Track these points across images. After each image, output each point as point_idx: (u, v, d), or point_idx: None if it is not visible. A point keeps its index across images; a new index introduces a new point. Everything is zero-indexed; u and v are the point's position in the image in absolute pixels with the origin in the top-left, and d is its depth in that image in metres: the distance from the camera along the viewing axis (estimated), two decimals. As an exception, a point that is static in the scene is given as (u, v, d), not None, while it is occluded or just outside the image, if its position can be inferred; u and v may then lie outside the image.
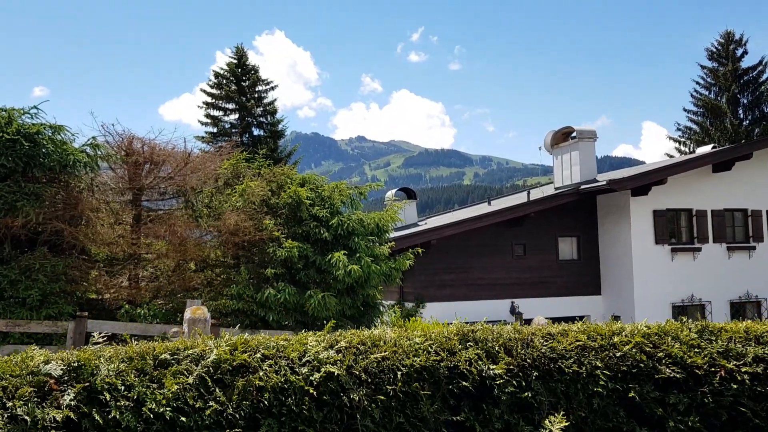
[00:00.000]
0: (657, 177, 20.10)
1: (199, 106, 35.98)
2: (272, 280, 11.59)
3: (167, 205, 12.48)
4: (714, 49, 43.07)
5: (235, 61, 36.32)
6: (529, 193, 22.98)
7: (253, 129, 35.86)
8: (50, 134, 10.29)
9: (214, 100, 35.97)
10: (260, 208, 12.18)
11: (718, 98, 42.24)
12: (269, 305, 11.28)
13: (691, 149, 42.38)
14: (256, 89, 36.41)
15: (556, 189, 22.95)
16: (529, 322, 19.74)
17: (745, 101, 42.07)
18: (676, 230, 21.43)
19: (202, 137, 34.84)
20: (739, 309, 21.73)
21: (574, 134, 22.89)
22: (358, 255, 11.76)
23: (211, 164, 12.09)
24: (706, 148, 27.69)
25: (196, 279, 11.94)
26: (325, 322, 11.93)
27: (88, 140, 10.59)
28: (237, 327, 11.24)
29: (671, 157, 42.33)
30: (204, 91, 36.19)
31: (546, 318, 16.17)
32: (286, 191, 12.04)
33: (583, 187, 20.92)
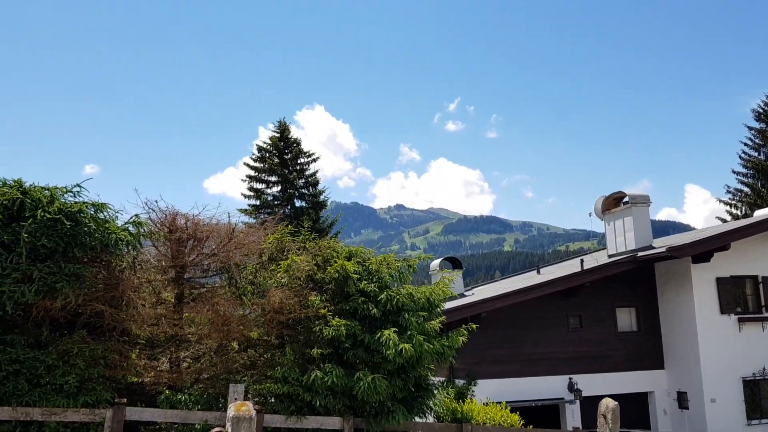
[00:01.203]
0: (719, 243, 19.06)
1: (242, 180, 36.34)
2: (318, 360, 10.92)
3: (210, 282, 12.05)
4: (761, 110, 42.15)
5: (278, 135, 36.77)
6: (582, 262, 22.04)
7: (296, 200, 35.91)
8: (92, 212, 10.01)
9: (257, 173, 36.28)
10: (305, 284, 11.63)
11: (768, 159, 41.01)
12: (316, 389, 10.56)
13: (743, 211, 40.93)
14: (298, 161, 36.67)
15: (610, 256, 21.99)
16: (590, 400, 18.48)
17: (798, 161, 40.73)
18: (742, 299, 20.18)
19: (246, 210, 35.00)
20: (818, 383, 20.11)
21: (626, 199, 22.08)
22: (408, 332, 11.03)
23: (255, 239, 11.67)
24: (764, 211, 26.45)
25: (239, 360, 11.33)
26: (375, 405, 11.15)
27: (131, 218, 10.29)
28: (282, 414, 10.57)
29: (723, 220, 40.88)
30: (247, 165, 36.58)
31: (607, 395, 15.05)
32: (332, 265, 11.49)
33: (640, 254, 19.95)
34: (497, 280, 36.10)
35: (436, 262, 28.09)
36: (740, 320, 19.69)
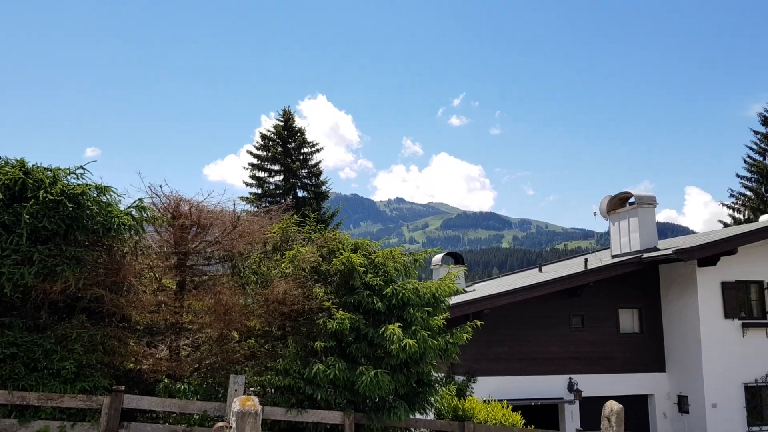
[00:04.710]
0: (728, 246, 18.85)
1: (244, 167, 36.10)
2: (320, 353, 10.72)
3: (212, 270, 11.84)
4: (767, 115, 41.81)
5: (282, 124, 36.51)
6: (586, 261, 21.84)
7: (298, 190, 35.71)
8: (95, 195, 9.80)
9: (259, 162, 36.05)
10: (310, 276, 11.43)
11: (774, 164, 40.70)
12: (317, 382, 10.37)
13: (746, 216, 40.70)
14: (302, 151, 36.43)
15: (614, 256, 21.80)
16: (590, 401, 18.30)
17: (803, 167, 40.42)
18: (747, 304, 19.99)
19: (247, 198, 34.79)
20: (819, 391, 19.95)
21: (632, 200, 21.87)
22: (413, 328, 10.83)
23: (259, 228, 11.45)
24: (769, 216, 26.26)
25: (239, 350, 11.13)
26: (376, 401, 10.96)
27: (135, 202, 10.06)
28: (282, 407, 10.38)
29: (725, 224, 40.65)
30: (250, 153, 36.33)
31: (607, 396, 14.88)
32: (338, 257, 11.28)
33: (645, 255, 19.75)
34: (496, 277, 35.96)
35: (437, 257, 27.90)
36: (744, 325, 19.51)
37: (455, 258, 28.43)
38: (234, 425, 5.03)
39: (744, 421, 19.11)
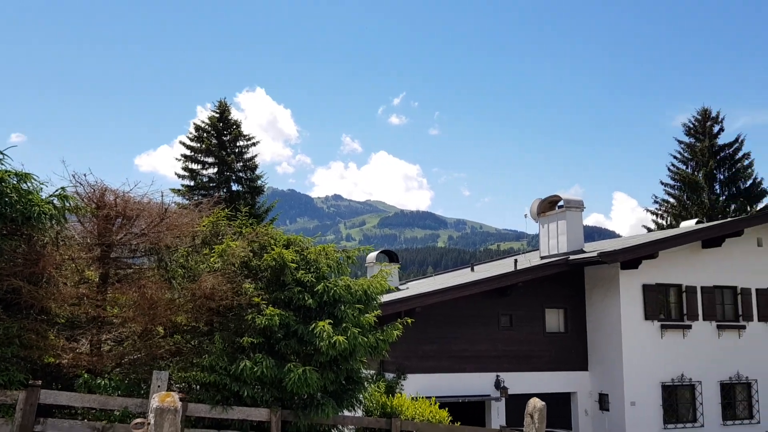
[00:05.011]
0: (649, 251, 19.62)
1: (177, 159, 35.27)
2: (248, 350, 10.60)
3: (138, 263, 11.53)
4: (691, 125, 43.73)
5: (218, 115, 35.88)
6: (516, 262, 22.33)
7: (232, 184, 35.17)
8: (15, 182, 9.41)
9: (193, 153, 35.32)
10: (240, 271, 11.28)
11: (695, 173, 42.58)
12: (244, 379, 10.25)
13: (668, 222, 42.46)
14: (237, 144, 35.90)
15: (542, 258, 22.36)
16: (516, 399, 18.72)
17: (722, 177, 42.43)
18: (666, 306, 20.86)
19: (179, 190, 34.03)
20: (729, 390, 21.01)
21: (561, 203, 22.48)
22: (344, 325, 10.84)
23: (188, 221, 11.21)
24: (690, 223, 27.51)
25: (164, 346, 10.88)
26: (304, 398, 10.91)
27: (57, 190, 9.70)
28: (207, 403, 10.21)
29: (649, 229, 42.29)
30: (183, 144, 35.54)
31: (532, 393, 15.26)
32: (269, 253, 11.16)
33: (571, 257, 20.34)
34: (431, 276, 36.34)
35: (372, 255, 27.96)
36: (663, 327, 20.34)
37: (390, 256, 28.58)
38: (152, 422, 4.91)
39: (660, 419, 19.93)
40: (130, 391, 10.05)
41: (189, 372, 10.44)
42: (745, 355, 21.22)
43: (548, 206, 22.98)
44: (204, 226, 11.58)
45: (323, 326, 10.44)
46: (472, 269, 27.46)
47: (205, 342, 10.84)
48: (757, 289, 21.77)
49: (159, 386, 9.63)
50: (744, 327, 21.40)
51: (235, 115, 36.60)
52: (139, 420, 5.66)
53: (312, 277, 11.17)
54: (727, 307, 21.50)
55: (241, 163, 35.49)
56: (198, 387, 10.76)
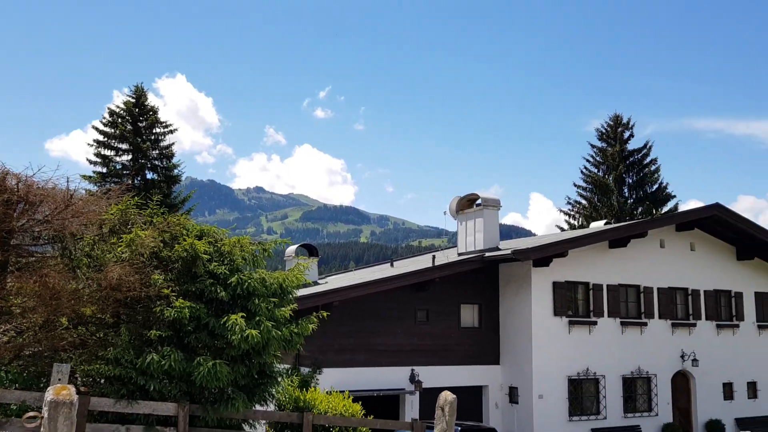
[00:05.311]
0: (559, 249, 20.34)
1: (89, 144, 33.81)
2: (156, 343, 10.29)
3: (41, 251, 10.98)
4: (603, 130, 45.55)
5: (133, 101, 34.62)
6: (434, 258, 22.66)
7: (147, 172, 34.01)
8: None
9: (106, 139, 33.92)
10: (149, 261, 10.91)
11: (606, 176, 44.39)
12: (151, 372, 9.94)
13: (580, 222, 44.14)
14: (154, 131, 34.74)
15: (460, 254, 22.81)
16: (430, 392, 19.02)
17: (631, 181, 44.43)
18: (574, 303, 21.68)
19: (90, 177, 32.63)
20: (631, 384, 22.07)
21: (479, 201, 22.99)
22: (257, 318, 10.68)
23: (96, 208, 10.75)
24: (599, 224, 28.71)
25: (67, 338, 10.41)
26: (214, 392, 10.70)
27: (-50, 172, 9.10)
28: (111, 397, 9.86)
29: (562, 229, 43.85)
30: (96, 129, 34.09)
31: (446, 387, 15.54)
32: (180, 243, 10.86)
33: (487, 254, 20.84)
34: (352, 270, 36.39)
35: (292, 248, 27.74)
36: (571, 323, 21.15)
37: (309, 250, 28.43)
38: (46, 415, 4.68)
39: (566, 411, 20.73)
40: (28, 385, 9.59)
41: (93, 365, 10.03)
42: (646, 351, 22.35)
43: (467, 204, 23.45)
44: (112, 213, 11.14)
45: (236, 319, 10.25)
46: (392, 265, 27.70)
47: (111, 334, 10.44)
48: (658, 288, 22.96)
49: (60, 379, 9.21)
50: (645, 324, 22.53)
51: (152, 101, 35.42)
52: (31, 413, 5.38)
53: (225, 269, 10.94)
54: (631, 305, 22.57)
55: (157, 151, 34.39)
56: (103, 381, 10.37)
